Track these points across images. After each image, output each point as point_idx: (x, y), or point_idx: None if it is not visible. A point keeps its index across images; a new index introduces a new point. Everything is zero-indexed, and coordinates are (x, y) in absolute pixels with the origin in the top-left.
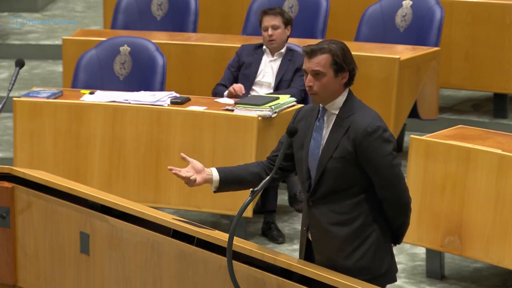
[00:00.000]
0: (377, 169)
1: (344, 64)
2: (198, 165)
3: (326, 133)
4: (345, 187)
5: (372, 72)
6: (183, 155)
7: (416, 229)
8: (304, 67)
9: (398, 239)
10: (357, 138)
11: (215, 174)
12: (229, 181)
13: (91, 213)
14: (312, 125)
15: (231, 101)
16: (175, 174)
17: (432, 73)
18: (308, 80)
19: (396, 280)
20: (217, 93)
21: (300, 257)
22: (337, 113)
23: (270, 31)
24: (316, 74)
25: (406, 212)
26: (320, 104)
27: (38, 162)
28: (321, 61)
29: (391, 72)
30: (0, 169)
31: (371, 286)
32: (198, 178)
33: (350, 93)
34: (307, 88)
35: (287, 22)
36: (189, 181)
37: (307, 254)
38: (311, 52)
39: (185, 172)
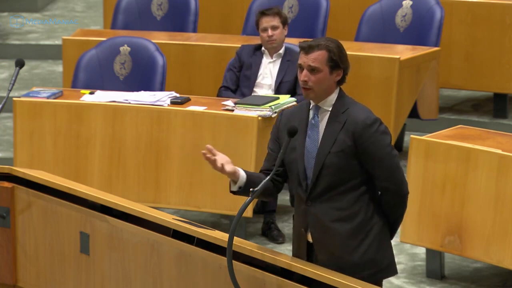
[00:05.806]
0: (377, 161)
1: (339, 62)
2: (226, 157)
3: (321, 130)
4: (344, 181)
5: (372, 72)
6: (209, 146)
7: (416, 229)
8: (300, 62)
9: (393, 232)
10: (356, 130)
11: (242, 172)
12: (252, 182)
13: (91, 213)
14: (303, 125)
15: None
16: (207, 158)
17: (432, 73)
18: (304, 75)
19: (397, 272)
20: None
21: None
22: (330, 109)
23: (270, 32)
24: (312, 70)
25: (405, 203)
26: (312, 102)
27: (38, 162)
28: (318, 57)
29: (391, 72)
30: (0, 169)
31: (371, 286)
32: (227, 167)
33: (341, 90)
34: (301, 83)
35: (284, 22)
36: (219, 168)
37: (307, 255)
38: (308, 48)
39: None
